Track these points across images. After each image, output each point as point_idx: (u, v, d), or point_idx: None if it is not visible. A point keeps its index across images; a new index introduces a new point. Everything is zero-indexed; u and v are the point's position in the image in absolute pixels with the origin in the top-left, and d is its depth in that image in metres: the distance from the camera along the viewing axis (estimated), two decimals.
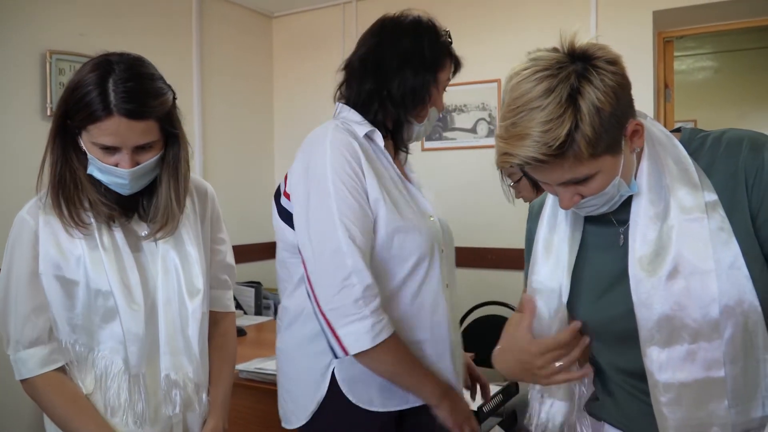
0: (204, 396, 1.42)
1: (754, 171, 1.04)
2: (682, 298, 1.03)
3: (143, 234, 1.38)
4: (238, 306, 3.11)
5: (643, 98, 2.98)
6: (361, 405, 1.46)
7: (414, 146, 3.74)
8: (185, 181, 1.39)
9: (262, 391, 2.17)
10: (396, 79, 1.49)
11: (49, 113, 2.72)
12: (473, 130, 3.39)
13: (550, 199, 1.24)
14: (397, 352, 1.40)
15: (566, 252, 1.18)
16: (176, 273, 1.38)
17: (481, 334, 3.13)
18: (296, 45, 3.93)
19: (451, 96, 3.44)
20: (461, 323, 3.18)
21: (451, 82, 3.21)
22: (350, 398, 1.46)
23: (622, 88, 1.00)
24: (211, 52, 3.59)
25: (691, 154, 1.09)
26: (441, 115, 3.36)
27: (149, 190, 1.37)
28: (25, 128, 2.66)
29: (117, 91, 1.20)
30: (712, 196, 1.04)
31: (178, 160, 1.37)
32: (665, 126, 3.37)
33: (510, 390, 2.19)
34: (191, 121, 3.47)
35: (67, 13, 2.83)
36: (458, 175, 3.39)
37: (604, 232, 1.17)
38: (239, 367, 2.27)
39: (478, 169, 3.37)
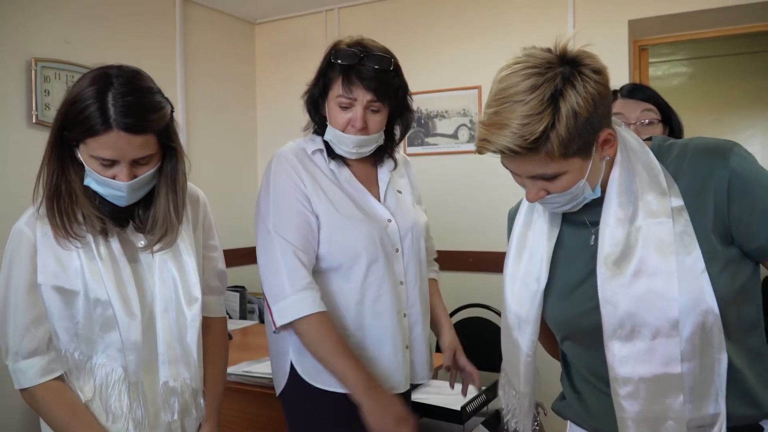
0: (201, 401, 1.45)
1: (723, 178, 1.09)
2: (644, 297, 1.09)
3: (140, 244, 1.40)
4: None
5: None
6: (311, 382, 1.65)
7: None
8: (183, 192, 1.42)
9: (251, 394, 2.21)
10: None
11: (34, 120, 2.72)
12: (454, 136, 3.45)
13: (525, 200, 1.30)
14: (319, 331, 1.56)
15: (544, 245, 1.24)
16: (173, 282, 1.40)
17: (462, 336, 3.17)
18: (279, 51, 3.96)
19: (432, 102, 3.49)
20: None
21: (433, 88, 3.30)
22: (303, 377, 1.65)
23: (602, 98, 1.06)
24: (195, 59, 3.62)
25: (660, 160, 1.15)
26: (421, 121, 3.42)
27: (145, 201, 1.39)
28: (10, 136, 2.67)
29: (116, 106, 1.21)
30: (678, 202, 1.11)
31: (176, 173, 1.39)
32: None
33: (493, 390, 2.24)
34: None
35: (52, 21, 2.84)
36: (440, 180, 3.44)
37: (577, 233, 1.23)
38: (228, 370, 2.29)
39: (460, 174, 3.43)
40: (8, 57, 2.67)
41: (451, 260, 3.49)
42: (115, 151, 1.24)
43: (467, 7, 3.42)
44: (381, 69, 1.58)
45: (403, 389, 1.70)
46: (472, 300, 3.25)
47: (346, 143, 1.64)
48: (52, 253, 1.32)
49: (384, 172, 1.76)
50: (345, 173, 1.71)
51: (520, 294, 1.26)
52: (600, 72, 1.07)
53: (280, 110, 3.91)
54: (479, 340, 3.14)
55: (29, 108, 2.73)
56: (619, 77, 3.06)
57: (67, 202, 1.30)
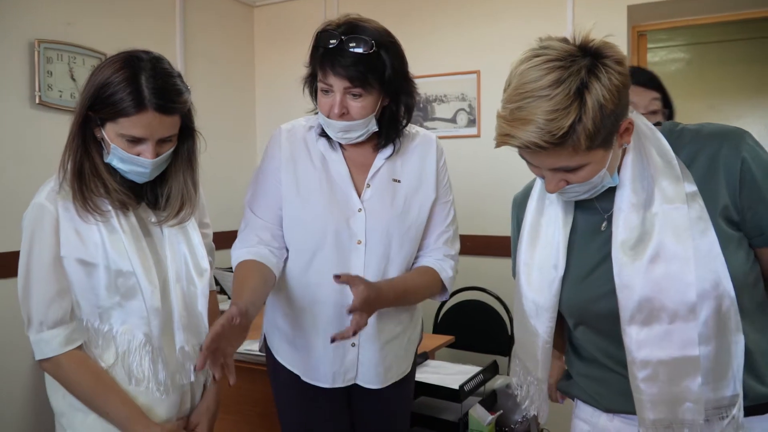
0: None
1: (734, 165, 1.11)
2: (662, 281, 1.11)
3: (152, 220, 1.48)
4: (223, 291, 3.16)
5: None
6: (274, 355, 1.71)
7: None
8: (197, 170, 1.53)
9: (252, 372, 2.25)
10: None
11: (37, 101, 2.74)
12: (453, 120, 3.47)
13: (537, 186, 1.31)
14: (240, 271, 1.61)
15: (560, 232, 1.24)
16: (183, 255, 1.49)
17: (459, 319, 3.24)
18: (277, 34, 3.96)
19: (431, 86, 3.51)
20: (440, 308, 3.29)
21: (432, 73, 3.26)
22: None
23: (624, 88, 1.07)
24: (194, 40, 3.62)
25: (671, 145, 1.17)
26: (420, 105, 3.43)
27: (156, 180, 1.46)
28: (14, 117, 2.68)
29: (149, 88, 1.30)
30: (692, 187, 1.12)
31: (192, 153, 1.50)
32: None
33: (490, 370, 2.29)
34: None
35: (54, 3, 2.84)
36: None
37: (590, 219, 1.24)
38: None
39: (458, 159, 3.44)
40: (11, 38, 2.67)
41: None
42: (146, 130, 1.33)
43: None
44: (360, 53, 1.49)
45: (325, 384, 1.64)
46: (469, 283, 3.28)
47: (332, 128, 1.59)
48: (73, 227, 1.38)
49: (382, 156, 1.67)
50: (335, 156, 1.66)
51: (537, 281, 1.26)
52: (621, 62, 1.06)
53: (278, 93, 3.92)
54: (477, 323, 3.20)
55: (32, 89, 2.74)
56: None
57: (90, 178, 1.37)
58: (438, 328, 3.29)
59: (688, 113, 5.58)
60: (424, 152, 1.72)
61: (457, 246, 1.79)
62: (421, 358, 2.37)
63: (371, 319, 1.58)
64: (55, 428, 1.49)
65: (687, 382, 1.11)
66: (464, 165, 3.44)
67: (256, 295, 1.53)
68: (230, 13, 3.91)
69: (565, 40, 1.08)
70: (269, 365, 1.76)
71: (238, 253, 1.64)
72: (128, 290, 1.40)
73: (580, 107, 1.02)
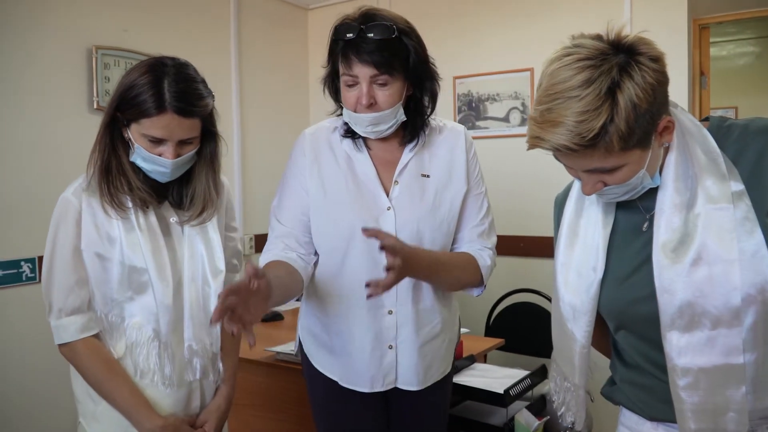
0: (219, 365, 1.59)
1: None
2: (704, 285, 1.05)
3: (172, 219, 1.54)
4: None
5: (678, 85, 2.96)
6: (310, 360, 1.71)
7: None
8: (219, 173, 1.58)
9: (298, 372, 2.26)
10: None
11: (95, 106, 2.83)
12: (506, 119, 3.41)
13: (575, 187, 1.27)
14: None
15: (599, 233, 1.20)
16: (201, 255, 1.54)
17: (511, 321, 3.18)
18: None
19: (483, 85, 3.46)
20: (492, 310, 3.23)
21: (484, 71, 3.19)
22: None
23: (660, 86, 1.02)
24: (249, 46, 3.68)
25: (718, 142, 1.11)
26: (473, 105, 3.38)
27: (181, 180, 1.53)
28: (73, 121, 2.78)
29: (170, 92, 1.37)
30: (738, 186, 1.06)
31: (214, 155, 1.55)
32: (701, 113, 3.34)
33: (539, 374, 2.23)
34: (230, 114, 3.56)
35: (110, 11, 2.93)
36: (491, 164, 3.38)
37: (631, 219, 1.20)
38: (276, 348, 2.36)
39: (511, 158, 3.39)
40: (70, 45, 2.78)
41: (502, 245, 3.43)
42: (166, 131, 1.39)
43: None
44: (382, 39, 1.46)
45: (364, 389, 1.61)
46: (522, 285, 3.23)
47: (360, 123, 1.55)
48: (94, 222, 1.45)
49: (409, 151, 1.63)
50: (360, 155, 1.63)
51: (575, 284, 1.21)
52: (657, 59, 1.02)
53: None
54: (529, 325, 3.13)
55: (90, 94, 2.83)
56: (678, 57, 2.97)
57: (115, 175, 1.45)
58: (489, 331, 3.23)
59: (758, 108, 5.35)
60: (452, 144, 1.67)
61: (494, 239, 1.73)
62: (467, 361, 2.34)
63: (409, 321, 1.58)
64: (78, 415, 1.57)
65: (730, 391, 1.06)
66: (518, 164, 3.38)
67: (280, 281, 1.47)
68: (284, 17, 3.96)
69: (598, 37, 1.04)
70: (305, 371, 1.75)
71: (264, 257, 1.63)
72: (140, 286, 1.46)
73: (612, 107, 0.98)
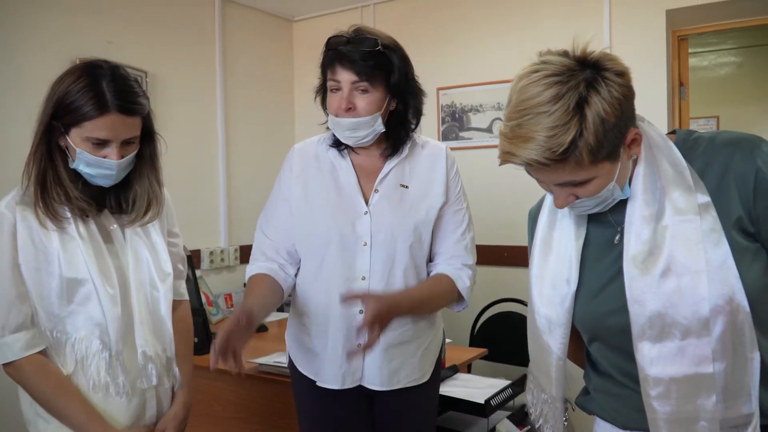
0: (175, 370, 1.57)
1: (748, 174, 1.07)
2: (673, 296, 1.07)
3: (112, 227, 1.52)
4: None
5: (657, 96, 3.00)
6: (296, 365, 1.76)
7: None
8: (160, 171, 1.58)
9: (280, 384, 2.26)
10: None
11: None
12: (489, 130, 3.44)
13: (548, 200, 1.29)
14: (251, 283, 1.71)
15: (572, 246, 1.22)
16: (146, 259, 1.53)
17: (495, 330, 3.19)
18: (317, 48, 3.96)
19: (467, 96, 3.49)
20: (476, 320, 3.25)
21: (467, 83, 3.22)
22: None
23: (627, 99, 1.05)
24: (234, 57, 3.69)
25: (685, 155, 1.13)
26: (456, 116, 3.41)
27: (118, 187, 1.51)
28: None
29: (111, 91, 1.37)
30: (705, 198, 1.08)
31: (155, 155, 1.56)
32: (680, 123, 3.36)
33: (521, 384, 2.24)
34: (215, 126, 3.57)
35: (94, 22, 2.94)
36: (474, 175, 3.42)
37: (603, 232, 1.21)
38: (259, 360, 2.36)
39: (495, 168, 3.37)
40: (54, 57, 2.78)
41: (485, 255, 3.47)
42: (111, 132, 1.39)
43: (502, 0, 3.40)
44: (366, 50, 1.57)
45: (335, 385, 1.66)
46: (507, 294, 3.24)
47: (340, 128, 1.64)
48: (29, 235, 1.42)
49: (390, 162, 1.71)
50: (344, 164, 1.72)
51: (549, 296, 1.23)
52: (623, 74, 1.05)
53: (318, 107, 3.93)
54: (514, 335, 3.14)
55: None
56: (657, 68, 3.01)
57: (52, 185, 1.42)
58: (474, 341, 3.25)
59: (739, 117, 5.41)
60: (433, 160, 1.74)
61: (474, 256, 1.77)
62: (450, 371, 2.35)
63: None
64: None
65: (701, 400, 1.07)
66: (501, 174, 3.38)
67: (262, 301, 1.63)
68: (269, 29, 3.98)
69: (564, 54, 1.07)
70: (291, 375, 1.81)
71: (248, 269, 1.75)
72: (83, 298, 1.44)
73: (581, 122, 1.00)
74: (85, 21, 2.90)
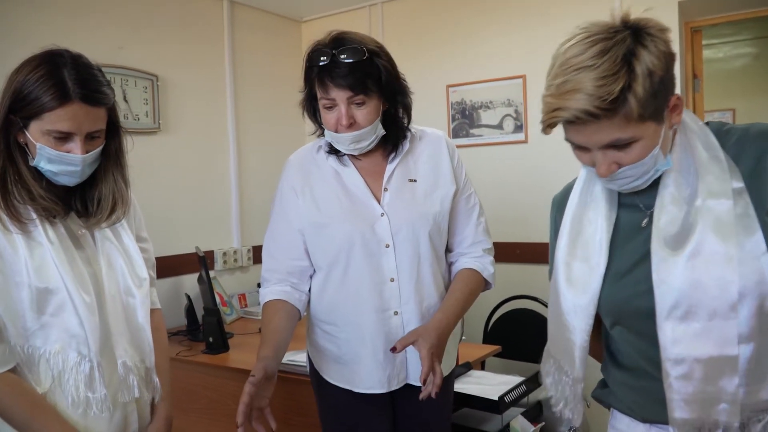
0: (155, 379, 1.48)
1: None
2: (702, 277, 1.07)
3: (81, 232, 1.41)
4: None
5: None
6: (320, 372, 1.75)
7: None
8: (126, 168, 1.47)
9: (295, 382, 2.27)
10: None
11: None
12: (499, 127, 3.42)
13: (580, 184, 1.28)
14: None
15: (603, 228, 1.21)
16: (119, 265, 1.43)
17: (508, 328, 3.18)
18: None
19: (476, 93, 3.48)
20: (489, 317, 3.24)
21: (476, 80, 3.21)
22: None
23: (671, 57, 1.06)
24: (243, 58, 3.71)
25: (719, 144, 1.13)
26: (466, 113, 3.40)
27: (83, 186, 1.41)
28: None
29: (73, 80, 1.26)
30: (739, 184, 1.08)
31: (120, 151, 1.45)
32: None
33: (534, 380, 2.23)
34: (225, 127, 3.59)
35: (105, 29, 2.97)
36: (485, 171, 3.42)
37: (632, 216, 1.21)
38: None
39: (505, 165, 3.41)
40: None
41: (498, 252, 3.43)
42: (73, 123, 1.28)
43: None
44: (354, 61, 1.53)
45: (380, 390, 1.66)
46: (520, 292, 3.23)
47: (342, 142, 1.62)
48: None
49: (391, 163, 1.70)
50: (348, 170, 1.70)
51: (577, 279, 1.22)
52: (665, 30, 1.06)
53: None
54: (526, 332, 3.13)
55: None
56: None
57: (13, 184, 1.32)
58: (488, 338, 3.24)
59: (755, 110, 5.35)
60: (434, 149, 1.74)
61: (491, 238, 1.80)
62: (463, 368, 2.34)
63: (414, 319, 1.64)
64: None
65: (723, 382, 1.07)
66: (512, 171, 3.39)
67: (281, 336, 1.62)
68: (278, 30, 3.99)
69: (605, 22, 1.08)
70: (314, 383, 1.79)
71: (262, 293, 1.74)
72: (56, 308, 1.31)
73: (629, 74, 1.01)
74: (96, 27, 2.93)
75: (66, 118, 1.27)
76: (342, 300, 1.67)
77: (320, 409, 1.79)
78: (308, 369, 1.83)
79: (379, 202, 1.66)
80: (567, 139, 1.11)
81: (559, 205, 1.36)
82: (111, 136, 1.41)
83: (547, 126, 1.08)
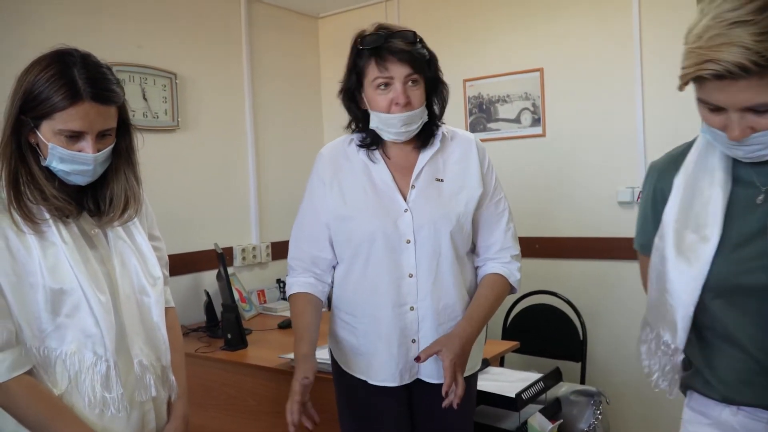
0: (171, 378, 1.47)
1: None
2: None
3: (94, 231, 1.41)
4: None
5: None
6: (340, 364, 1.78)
7: None
8: (138, 166, 1.47)
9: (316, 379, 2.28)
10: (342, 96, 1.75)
11: None
12: (517, 120, 3.40)
13: (693, 154, 1.26)
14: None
15: (719, 198, 1.19)
16: (133, 264, 1.43)
17: (527, 324, 3.17)
18: (343, 45, 3.96)
19: (493, 87, 3.46)
20: (508, 313, 3.22)
21: (493, 73, 3.21)
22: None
23: None
24: (260, 55, 3.72)
25: None
26: (483, 107, 3.38)
27: (95, 186, 1.41)
28: None
29: (83, 79, 1.27)
30: None
31: (131, 149, 1.45)
32: None
33: (553, 377, 2.23)
34: (244, 124, 3.61)
35: (124, 28, 3.00)
36: (503, 166, 3.37)
37: (745, 192, 1.20)
38: (290, 356, 2.37)
39: (523, 159, 3.38)
40: None
41: None
42: (84, 122, 1.28)
43: None
44: (409, 41, 1.60)
45: (392, 383, 1.67)
46: (539, 287, 3.21)
47: (393, 125, 1.63)
48: (6, 245, 1.29)
49: (424, 157, 1.71)
50: (378, 165, 1.72)
51: (689, 247, 1.20)
52: None
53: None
54: (546, 327, 3.12)
55: None
56: None
57: (26, 184, 1.31)
58: (507, 334, 3.22)
59: None
60: (464, 151, 1.75)
61: (519, 244, 1.81)
62: (481, 365, 2.33)
63: (429, 316, 1.65)
64: None
65: None
66: (530, 165, 3.37)
67: (314, 331, 1.69)
68: (295, 27, 4.00)
69: None
70: (335, 376, 1.81)
71: (289, 282, 1.80)
72: (72, 309, 1.31)
73: None
74: (115, 26, 2.96)
75: (77, 118, 1.27)
76: (361, 292, 1.70)
77: (338, 400, 1.81)
78: (329, 360, 1.85)
79: (405, 198, 1.68)
80: (700, 99, 1.09)
81: (660, 171, 1.33)
82: (122, 134, 1.41)
83: (689, 80, 1.06)
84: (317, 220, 1.75)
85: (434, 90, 1.69)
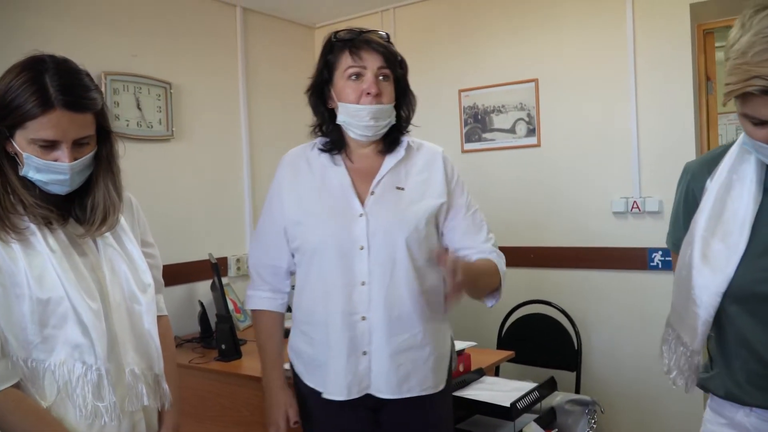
0: (164, 386, 1.44)
1: None
2: None
3: (82, 239, 1.38)
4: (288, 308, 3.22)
5: (683, 91, 2.95)
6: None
7: (454, 148, 3.72)
8: (119, 174, 1.43)
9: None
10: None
11: None
12: (512, 131, 3.41)
13: (728, 161, 1.27)
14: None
15: (749, 208, 1.21)
16: (123, 272, 1.40)
17: (521, 333, 3.17)
18: None
19: (488, 97, 3.47)
20: (503, 322, 3.22)
21: (488, 84, 3.19)
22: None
23: None
24: (256, 66, 3.72)
25: None
26: (478, 117, 3.39)
27: (83, 192, 1.38)
28: None
29: (55, 86, 1.23)
30: None
31: (112, 157, 1.41)
32: (708, 118, 3.29)
33: (547, 386, 2.22)
34: (239, 134, 3.61)
35: (119, 37, 3.00)
36: (498, 176, 3.41)
37: None
38: (286, 365, 2.36)
39: (518, 170, 3.39)
40: None
41: (511, 256, 3.40)
42: (57, 131, 1.24)
43: (521, 0, 3.38)
44: (384, 39, 1.65)
45: (340, 397, 1.61)
46: (534, 296, 3.21)
47: (362, 117, 1.60)
48: None
49: (387, 164, 1.68)
50: (338, 168, 1.70)
51: (715, 255, 1.22)
52: None
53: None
54: (541, 337, 3.12)
55: None
56: (682, 63, 2.95)
57: (3, 195, 1.28)
58: (502, 343, 3.22)
59: None
60: (428, 161, 1.73)
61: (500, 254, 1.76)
62: (476, 374, 2.34)
63: (381, 327, 1.59)
64: None
65: None
66: (525, 175, 3.38)
67: (281, 357, 1.79)
68: (291, 37, 4.01)
69: None
70: (295, 386, 1.77)
71: (248, 295, 1.83)
72: (60, 319, 1.28)
73: None
74: (109, 35, 2.96)
75: (49, 126, 1.24)
76: (314, 299, 1.66)
77: (301, 412, 1.75)
78: (289, 370, 1.79)
79: (362, 203, 1.64)
80: (744, 114, 1.10)
81: (694, 173, 1.35)
82: (102, 141, 1.37)
83: (736, 95, 1.07)
84: (273, 227, 1.75)
85: (403, 95, 1.70)
